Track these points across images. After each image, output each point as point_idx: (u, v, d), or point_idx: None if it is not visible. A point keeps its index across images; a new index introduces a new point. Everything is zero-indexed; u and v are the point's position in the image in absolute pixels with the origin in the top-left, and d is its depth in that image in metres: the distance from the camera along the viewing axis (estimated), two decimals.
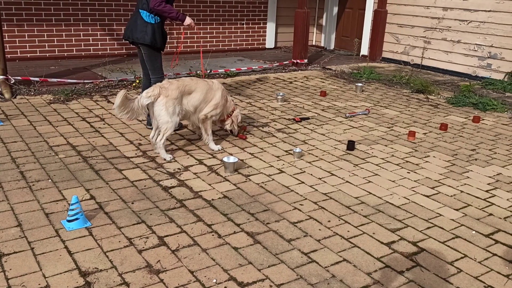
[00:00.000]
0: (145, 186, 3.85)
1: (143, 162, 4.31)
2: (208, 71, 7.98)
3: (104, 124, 5.34)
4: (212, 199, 3.67)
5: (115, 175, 4.01)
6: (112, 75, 7.31)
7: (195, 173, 4.13)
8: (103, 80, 7.09)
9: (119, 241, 3.05)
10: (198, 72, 7.86)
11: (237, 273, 2.78)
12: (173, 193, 3.74)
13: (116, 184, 3.85)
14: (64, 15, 8.52)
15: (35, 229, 3.14)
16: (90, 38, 8.87)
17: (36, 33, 8.38)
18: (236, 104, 4.88)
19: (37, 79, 6.69)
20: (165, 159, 4.36)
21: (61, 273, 2.70)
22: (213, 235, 3.17)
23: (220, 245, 3.06)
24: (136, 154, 4.51)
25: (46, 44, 8.51)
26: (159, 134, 4.35)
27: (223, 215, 3.44)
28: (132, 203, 3.56)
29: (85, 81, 6.99)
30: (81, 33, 8.76)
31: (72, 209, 3.16)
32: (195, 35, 9.95)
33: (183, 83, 4.37)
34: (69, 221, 3.18)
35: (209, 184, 3.93)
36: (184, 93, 4.35)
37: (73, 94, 6.40)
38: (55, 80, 6.87)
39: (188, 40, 9.90)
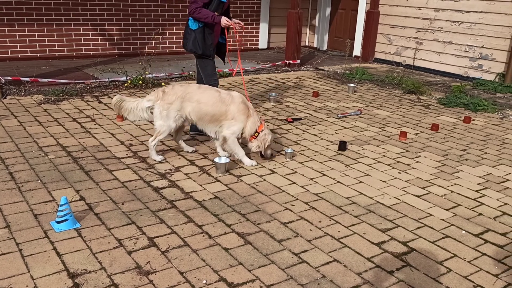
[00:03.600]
0: (135, 186, 3.83)
1: (134, 163, 4.29)
2: None
3: (95, 124, 5.31)
4: (203, 200, 3.66)
5: (105, 176, 3.99)
6: (103, 75, 7.27)
7: (186, 174, 4.12)
8: (94, 80, 7.05)
9: (109, 242, 3.03)
10: (190, 72, 7.84)
11: (228, 274, 2.77)
12: (164, 194, 3.72)
13: (107, 185, 3.82)
14: (55, 15, 8.48)
15: (23, 230, 3.11)
16: (82, 38, 8.82)
17: (27, 33, 8.32)
18: (263, 121, 4.43)
19: (27, 79, 6.64)
20: (155, 160, 4.34)
21: (49, 275, 2.68)
22: (203, 235, 3.16)
23: (211, 246, 3.05)
24: (127, 154, 4.48)
25: (37, 44, 8.46)
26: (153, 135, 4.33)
27: (214, 216, 3.43)
28: (123, 204, 3.54)
29: (76, 81, 6.95)
30: (73, 33, 8.71)
31: (61, 210, 3.13)
32: None
33: (186, 90, 4.25)
34: (58, 222, 3.15)
35: (200, 185, 3.92)
36: (184, 100, 4.21)
37: (64, 94, 6.36)
38: (45, 80, 6.82)
39: (181, 41, 9.86)
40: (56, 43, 8.61)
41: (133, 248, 2.97)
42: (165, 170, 4.16)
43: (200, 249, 3.00)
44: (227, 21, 4.62)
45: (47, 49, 8.57)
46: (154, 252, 2.94)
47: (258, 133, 4.31)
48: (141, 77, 7.02)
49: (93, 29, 8.88)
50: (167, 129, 4.27)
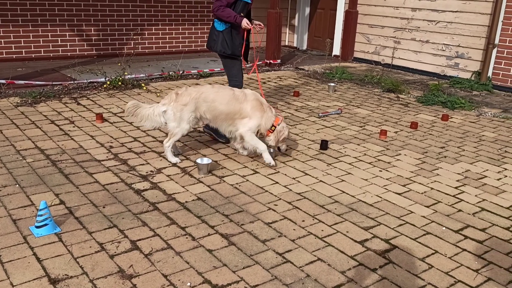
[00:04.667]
0: (116, 189, 3.78)
1: (115, 165, 4.23)
2: (181, 72, 7.91)
3: (73, 126, 5.22)
4: (186, 202, 3.64)
5: (85, 179, 3.93)
6: (81, 76, 7.16)
7: (168, 176, 4.08)
8: (72, 82, 6.93)
9: (90, 247, 2.98)
10: (170, 73, 7.78)
11: (212, 275, 2.75)
12: (145, 196, 3.69)
13: (87, 188, 3.77)
14: (31, 16, 8.31)
15: (2, 236, 3.04)
16: (59, 39, 8.67)
17: (1, 34, 8.14)
18: (280, 116, 4.45)
19: (3, 81, 6.49)
20: (170, 162, 4.31)
21: (29, 281, 2.62)
22: (187, 237, 3.14)
23: (194, 247, 3.03)
24: (107, 157, 4.42)
25: (13, 45, 8.28)
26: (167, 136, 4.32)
27: (197, 217, 3.41)
28: (104, 207, 3.49)
29: (54, 83, 6.83)
30: (49, 34, 8.55)
31: (41, 215, 3.07)
32: (167, 36, 9.85)
33: (200, 90, 4.25)
34: (37, 227, 3.09)
35: (183, 186, 3.89)
36: (199, 100, 4.20)
37: (41, 96, 6.24)
38: (22, 82, 6.68)
39: (160, 41, 9.80)
40: (32, 44, 8.44)
41: (115, 252, 2.93)
42: (147, 172, 4.12)
43: (184, 251, 2.98)
44: (248, 23, 4.65)
45: (23, 50, 8.40)
46: (137, 255, 2.91)
47: (275, 127, 4.33)
48: (120, 78, 6.93)
49: (70, 29, 8.74)
50: (180, 130, 4.25)
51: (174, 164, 4.30)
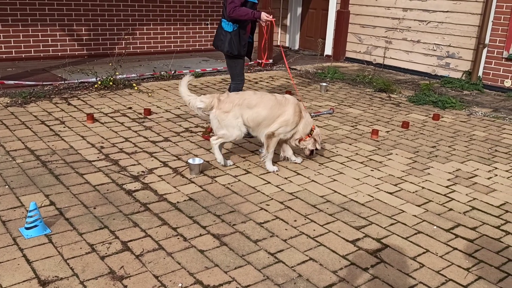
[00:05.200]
0: (107, 190, 3.75)
1: (106, 166, 4.21)
2: (172, 72, 7.88)
3: (64, 127, 5.18)
4: (177, 202, 3.62)
5: (76, 180, 3.90)
6: (72, 76, 7.11)
7: (159, 176, 4.06)
8: (63, 82, 6.88)
9: (81, 248, 2.96)
10: (162, 73, 7.75)
11: (203, 276, 2.74)
12: (137, 197, 3.67)
13: (77, 189, 3.74)
14: (21, 15, 8.23)
15: None
16: (49, 39, 8.60)
17: None
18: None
19: None
20: (218, 160, 4.27)
21: (19, 283, 2.60)
22: (178, 238, 3.12)
23: (186, 248, 3.01)
24: (98, 157, 4.39)
25: (3, 45, 8.20)
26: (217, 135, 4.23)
27: (189, 218, 3.39)
28: (94, 208, 3.46)
29: (44, 83, 6.78)
30: (40, 33, 8.49)
31: (31, 216, 3.04)
32: (159, 36, 9.82)
33: (243, 96, 4.18)
34: (27, 228, 3.06)
35: (174, 187, 3.88)
36: (242, 107, 4.13)
37: (32, 96, 6.18)
38: (12, 82, 6.63)
39: (152, 41, 9.76)
40: (22, 44, 8.37)
41: (106, 253, 2.91)
42: (138, 173, 4.10)
43: (175, 251, 2.96)
44: (267, 16, 4.69)
45: (13, 50, 8.32)
46: (128, 256, 2.89)
47: (312, 131, 4.39)
48: (112, 78, 6.90)
49: (61, 29, 8.67)
50: (231, 136, 4.18)
51: (223, 165, 4.25)
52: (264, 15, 4.67)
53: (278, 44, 11.85)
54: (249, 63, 9.15)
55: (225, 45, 4.80)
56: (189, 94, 4.28)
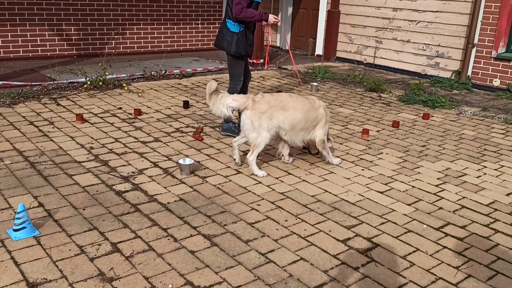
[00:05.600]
0: (97, 191, 3.72)
1: (95, 166, 4.17)
2: (163, 72, 7.85)
3: (53, 128, 5.13)
4: (168, 203, 3.60)
5: (65, 181, 3.86)
6: (61, 76, 7.05)
7: (150, 176, 4.04)
8: (52, 82, 6.82)
9: (70, 250, 2.93)
10: (152, 73, 7.71)
11: (194, 277, 2.73)
12: (127, 198, 3.64)
13: (66, 190, 3.70)
14: (10, 15, 8.15)
15: None
16: (38, 38, 8.52)
17: None
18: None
19: None
20: (257, 175, 4.12)
21: (7, 286, 2.57)
22: (169, 239, 3.11)
23: (176, 249, 3.00)
24: (87, 158, 4.36)
25: None
26: (250, 149, 4.17)
27: (179, 219, 3.38)
28: (84, 209, 3.43)
29: (33, 83, 6.72)
30: (28, 33, 8.41)
31: (19, 218, 3.01)
32: (149, 35, 9.77)
33: (278, 98, 4.15)
34: (15, 230, 3.03)
35: (165, 187, 3.85)
36: (277, 109, 4.09)
37: (20, 97, 6.12)
38: (0, 82, 6.55)
39: (142, 41, 9.71)
40: (10, 44, 8.29)
41: (95, 255, 2.89)
42: (128, 173, 4.07)
43: (166, 253, 2.95)
44: (275, 18, 4.77)
45: (1, 50, 8.23)
46: (118, 257, 2.87)
47: None
48: (101, 78, 6.85)
49: (50, 29, 8.60)
50: (262, 140, 4.11)
51: (262, 177, 4.12)
52: (272, 17, 4.74)
53: (270, 43, 11.84)
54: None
55: (232, 46, 4.79)
56: (222, 93, 4.23)
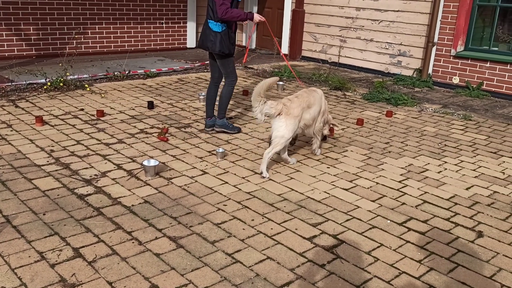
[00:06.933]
0: (58, 195, 3.62)
1: (56, 170, 4.05)
2: (127, 72, 7.71)
3: (11, 130, 4.95)
4: (132, 205, 3.54)
5: (24, 185, 3.73)
6: (20, 78, 6.82)
7: (113, 179, 3.95)
8: (10, 83, 6.58)
9: (29, 256, 2.83)
10: (116, 73, 7.56)
11: (159, 280, 2.69)
12: (89, 201, 3.55)
13: (26, 195, 3.58)
14: None
15: None
16: None
17: None
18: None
19: None
20: (261, 172, 4.18)
21: None
22: (133, 242, 3.05)
23: (141, 252, 2.94)
24: (48, 161, 4.23)
25: None
26: (270, 145, 4.26)
27: (144, 221, 3.32)
28: (44, 214, 3.33)
29: None
30: None
31: None
32: (112, 35, 9.58)
33: (303, 99, 4.34)
34: None
35: (129, 190, 3.78)
36: (305, 110, 4.33)
37: None
38: None
39: (104, 40, 9.50)
40: None
41: (56, 261, 2.80)
42: (90, 176, 3.97)
43: (130, 256, 2.89)
44: (260, 17, 4.95)
45: None
46: (80, 263, 2.79)
47: None
48: (62, 79, 6.66)
49: (7, 29, 8.29)
50: (285, 141, 4.24)
51: (264, 178, 4.15)
52: (257, 16, 4.92)
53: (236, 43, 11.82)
54: (206, 62, 9.08)
55: (216, 45, 4.83)
56: (261, 97, 4.26)
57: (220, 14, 4.67)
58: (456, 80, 8.01)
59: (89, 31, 9.24)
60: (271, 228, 3.32)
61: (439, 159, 4.83)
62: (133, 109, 5.99)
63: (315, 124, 4.53)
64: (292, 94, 4.50)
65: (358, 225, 3.44)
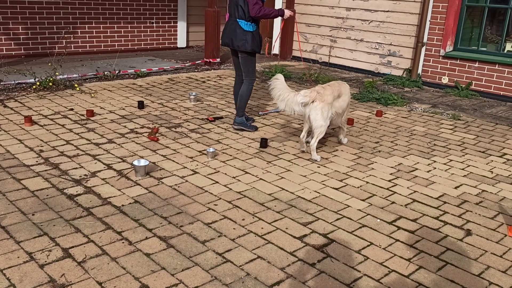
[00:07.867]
0: (47, 195, 3.59)
1: (45, 170, 4.02)
2: (117, 72, 7.67)
3: (0, 130, 4.91)
4: (122, 205, 3.52)
5: (12, 186, 3.70)
6: (9, 77, 6.76)
7: (103, 179, 3.94)
8: None
9: (18, 257, 2.81)
10: (106, 72, 7.52)
11: (149, 280, 2.68)
12: (79, 201, 3.53)
13: (14, 195, 3.55)
14: None
15: None
16: None
17: None
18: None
19: None
20: (316, 160, 4.54)
21: None
22: (123, 242, 3.04)
23: (131, 252, 2.94)
24: (37, 161, 4.20)
25: None
26: (313, 137, 4.55)
27: (134, 221, 3.31)
28: (33, 214, 3.30)
29: None
30: None
31: None
32: (102, 34, 9.53)
33: (334, 88, 4.60)
34: None
35: (119, 190, 3.77)
36: (336, 98, 4.60)
37: None
38: None
39: (94, 40, 9.45)
40: None
41: (45, 261, 2.78)
42: (80, 176, 3.95)
43: (120, 256, 2.88)
44: (290, 12, 5.13)
45: None
46: (69, 263, 2.78)
47: None
48: (51, 79, 6.61)
49: None
50: (325, 128, 4.55)
51: (318, 161, 4.55)
52: (287, 12, 5.10)
53: None
54: (196, 62, 9.07)
55: (248, 43, 4.96)
56: (289, 90, 4.50)
57: (254, 13, 4.81)
58: (445, 80, 8.08)
59: (79, 30, 9.18)
60: (262, 228, 3.33)
61: (428, 159, 4.87)
62: (123, 109, 5.96)
63: (343, 114, 4.78)
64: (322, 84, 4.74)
65: (348, 224, 3.46)
